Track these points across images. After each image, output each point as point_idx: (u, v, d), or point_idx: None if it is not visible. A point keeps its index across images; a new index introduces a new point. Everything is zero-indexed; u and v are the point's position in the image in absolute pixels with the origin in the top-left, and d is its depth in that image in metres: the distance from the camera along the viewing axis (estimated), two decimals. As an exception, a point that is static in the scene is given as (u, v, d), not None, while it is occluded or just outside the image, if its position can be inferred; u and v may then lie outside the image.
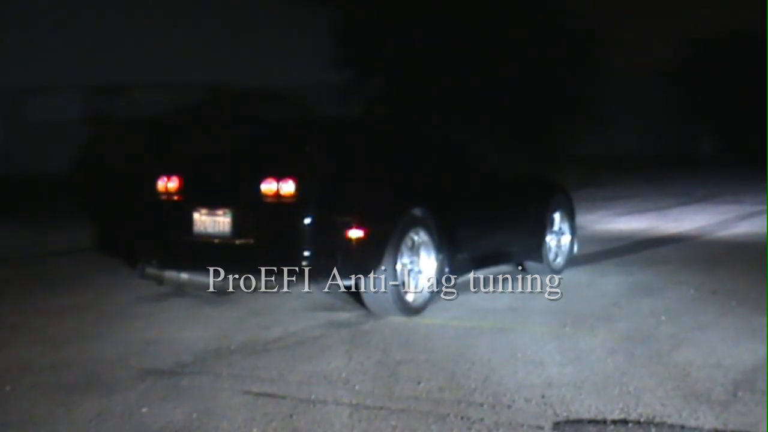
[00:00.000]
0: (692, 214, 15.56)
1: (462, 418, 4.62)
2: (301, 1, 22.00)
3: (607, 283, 8.65)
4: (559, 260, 9.32)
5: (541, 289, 8.38)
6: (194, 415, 4.73)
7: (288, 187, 6.72)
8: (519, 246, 8.82)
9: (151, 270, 7.43)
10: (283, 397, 5.01)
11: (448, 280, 7.58)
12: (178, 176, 7.32)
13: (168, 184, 7.33)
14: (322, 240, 6.70)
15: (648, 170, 29.18)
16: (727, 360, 5.64)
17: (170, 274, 7.42)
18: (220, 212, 6.99)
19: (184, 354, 6.03)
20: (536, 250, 8.94)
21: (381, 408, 4.79)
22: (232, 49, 20.87)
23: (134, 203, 7.88)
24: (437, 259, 7.42)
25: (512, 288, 8.42)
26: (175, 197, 7.32)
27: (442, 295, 7.67)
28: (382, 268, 6.88)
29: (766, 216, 14.98)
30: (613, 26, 25.57)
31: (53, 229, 13.13)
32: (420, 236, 7.30)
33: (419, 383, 5.24)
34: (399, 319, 7.04)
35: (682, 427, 4.45)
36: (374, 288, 6.95)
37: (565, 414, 4.65)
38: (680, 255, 10.55)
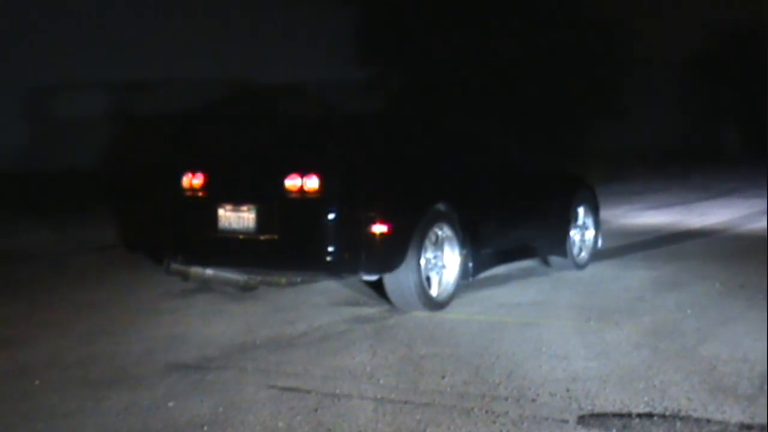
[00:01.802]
0: (717, 208, 15.43)
1: (486, 411, 4.61)
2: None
3: (633, 277, 8.60)
4: (583, 255, 9.26)
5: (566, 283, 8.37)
6: (220, 409, 4.76)
7: (312, 183, 6.71)
8: (543, 241, 8.77)
9: (176, 266, 7.46)
10: (308, 392, 5.02)
11: (472, 275, 7.55)
12: (203, 172, 7.33)
13: (193, 180, 7.34)
14: (347, 235, 6.70)
15: (671, 164, 29.00)
16: (754, 354, 5.60)
17: (196, 270, 7.46)
18: (244, 208, 6.99)
19: (209, 349, 6.07)
20: (560, 244, 8.91)
21: (405, 402, 4.80)
22: (254, 47, 20.95)
23: (159, 199, 7.94)
24: (461, 254, 7.38)
25: (537, 282, 8.42)
26: (200, 193, 7.33)
27: (466, 290, 7.68)
28: (406, 263, 6.85)
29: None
30: (635, 18, 25.42)
31: (79, 226, 13.24)
32: (444, 231, 7.27)
33: (444, 377, 5.24)
34: (423, 314, 7.04)
35: (708, 420, 4.42)
36: (398, 283, 6.94)
37: (590, 408, 4.64)
38: (706, 249, 10.48)
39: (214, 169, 7.42)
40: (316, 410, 4.71)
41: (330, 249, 6.69)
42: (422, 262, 7.01)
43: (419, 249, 6.96)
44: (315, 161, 6.97)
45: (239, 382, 5.28)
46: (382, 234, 6.73)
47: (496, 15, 21.24)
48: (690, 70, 39.75)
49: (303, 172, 6.74)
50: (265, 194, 6.99)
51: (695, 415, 4.50)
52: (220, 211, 7.10)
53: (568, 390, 4.93)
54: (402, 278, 6.91)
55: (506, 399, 4.81)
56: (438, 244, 7.27)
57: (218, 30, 20.40)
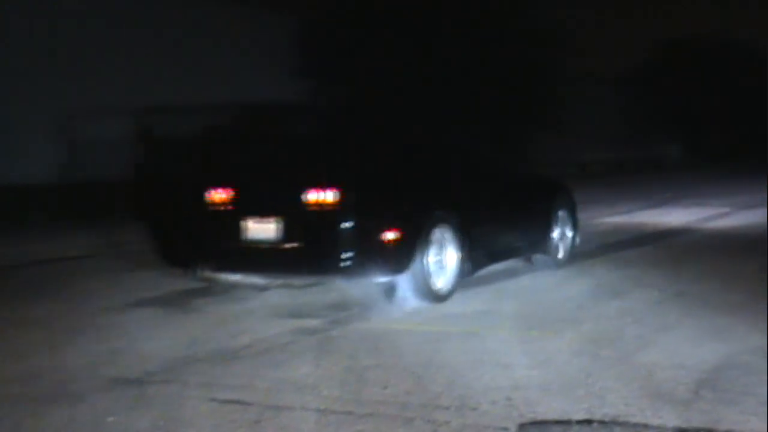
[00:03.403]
0: (657, 217, 15.71)
1: (428, 421, 4.63)
2: (262, 13, 22.13)
3: (574, 286, 8.72)
4: (562, 253, 10.11)
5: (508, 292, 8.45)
6: (161, 423, 4.71)
7: (330, 197, 7.42)
8: (528, 241, 9.64)
9: (204, 273, 8.15)
10: (251, 404, 5.00)
11: (470, 272, 8.38)
12: (228, 188, 8.02)
13: (218, 195, 8.03)
14: (362, 242, 7.41)
15: (613, 175, 29.40)
16: (691, 360, 5.70)
17: (221, 276, 8.21)
18: (268, 220, 7.69)
19: (151, 363, 6.01)
20: (543, 244, 9.81)
21: (348, 413, 4.80)
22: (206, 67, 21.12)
23: (185, 212, 8.60)
24: (459, 254, 8.10)
25: (480, 292, 8.48)
26: (225, 207, 8.00)
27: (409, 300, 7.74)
28: (414, 264, 7.58)
29: (733, 216, 15.17)
30: (575, 33, 25.77)
31: (42, 238, 13.09)
32: (444, 234, 7.99)
33: (386, 388, 5.25)
34: (367, 325, 7.06)
35: (646, 425, 4.49)
36: (407, 281, 7.68)
37: (530, 415, 4.68)
38: (646, 257, 10.66)
39: (238, 185, 8.08)
40: (258, 422, 4.69)
41: (347, 255, 7.38)
42: (426, 261, 7.72)
43: (424, 250, 7.70)
44: (332, 176, 7.61)
45: (181, 395, 5.24)
46: (393, 239, 7.51)
47: (438, 30, 21.39)
48: (631, 83, 40.45)
49: (322, 187, 7.45)
50: (287, 207, 7.68)
51: (633, 420, 4.57)
52: (245, 223, 7.80)
53: (509, 398, 4.97)
54: (410, 278, 7.65)
55: (448, 408, 4.83)
56: (439, 246, 7.96)
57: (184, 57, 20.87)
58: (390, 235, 7.49)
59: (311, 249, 7.57)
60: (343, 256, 7.39)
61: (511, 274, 9.48)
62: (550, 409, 4.78)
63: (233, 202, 7.99)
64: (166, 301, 8.39)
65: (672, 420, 4.54)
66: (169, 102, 19.10)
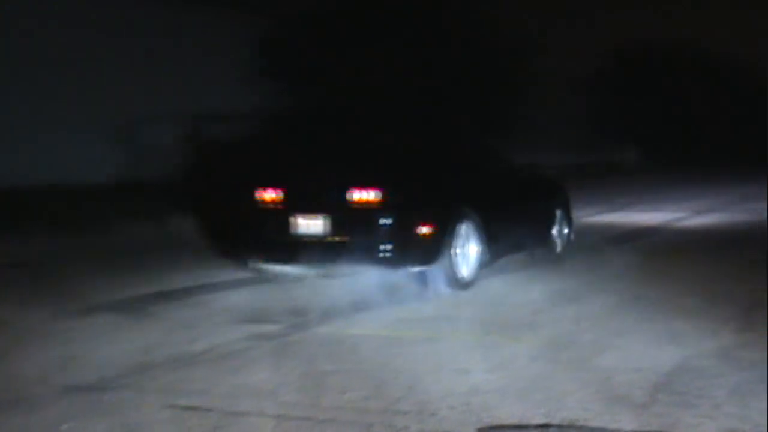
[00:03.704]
0: (613, 222, 15.85)
1: (387, 426, 4.63)
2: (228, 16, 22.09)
3: (532, 290, 8.77)
4: (560, 248, 11.21)
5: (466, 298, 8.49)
6: (117, 430, 4.66)
7: (373, 195, 8.47)
8: (533, 236, 10.66)
9: (254, 264, 9.18)
10: (209, 410, 4.96)
11: (489, 263, 9.28)
12: (278, 188, 8.96)
13: (269, 194, 8.97)
14: (399, 236, 8.40)
15: (571, 179, 29.62)
16: (647, 363, 5.76)
17: (271, 267, 9.14)
18: (315, 217, 8.64)
19: (107, 369, 5.94)
20: (545, 239, 10.95)
21: (306, 419, 4.78)
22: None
23: (236, 210, 9.44)
24: (479, 247, 9.04)
25: (439, 297, 8.51)
26: (276, 206, 8.96)
27: (370, 306, 7.72)
28: (443, 255, 8.49)
29: (689, 220, 15.36)
30: (533, 38, 25.93)
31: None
32: (468, 229, 8.92)
33: (345, 393, 5.25)
34: (326, 330, 7.05)
35: (603, 429, 4.52)
36: (437, 271, 8.54)
37: (488, 420, 4.70)
38: (601, 262, 10.73)
39: (287, 185, 9.02)
40: (216, 429, 4.66)
41: (387, 247, 8.37)
42: (453, 252, 8.64)
43: (451, 243, 8.64)
44: (374, 178, 8.66)
45: (137, 402, 5.18)
46: (427, 234, 8.49)
47: (398, 31, 21.42)
48: (591, 88, 40.81)
49: (365, 187, 8.48)
50: (333, 205, 8.65)
51: (591, 424, 4.60)
52: (295, 220, 8.75)
53: (467, 403, 4.98)
54: (440, 267, 8.54)
55: (407, 413, 4.83)
56: (464, 240, 8.87)
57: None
58: (424, 230, 8.48)
59: (355, 242, 8.49)
60: (383, 248, 8.38)
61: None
62: (509, 413, 4.80)
63: (283, 200, 8.96)
64: (123, 306, 8.30)
65: (629, 423, 4.59)
66: (137, 106, 19.68)
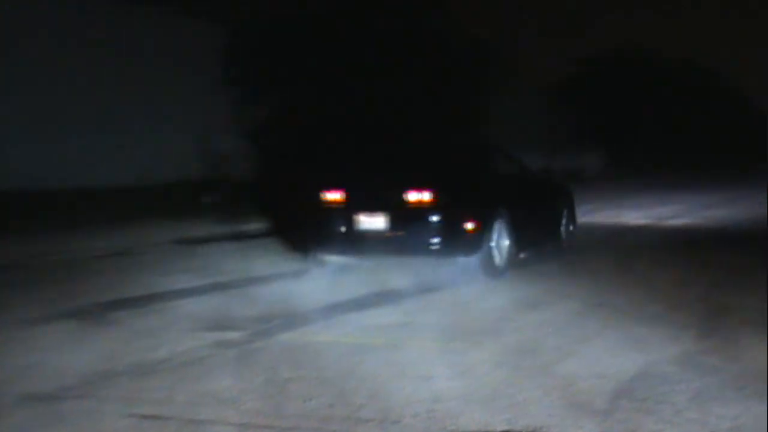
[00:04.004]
0: (580, 228, 15.91)
1: (350, 434, 4.62)
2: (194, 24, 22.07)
3: (495, 297, 8.79)
4: (566, 243, 12.64)
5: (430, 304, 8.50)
6: (76, 440, 4.61)
7: (426, 196, 9.78)
8: (546, 232, 12.18)
9: (321, 256, 10.48)
10: (170, 419, 4.92)
11: (516, 254, 10.66)
12: (342, 190, 10.26)
13: (334, 195, 10.26)
14: (448, 231, 9.73)
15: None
16: (610, 370, 5.79)
17: (335, 258, 10.44)
18: (376, 214, 9.94)
19: (67, 378, 5.87)
20: (555, 236, 12.45)
21: (269, 427, 4.76)
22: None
23: (304, 208, 10.73)
24: (508, 241, 10.39)
25: (403, 303, 8.50)
26: (340, 205, 10.22)
27: (333, 312, 7.69)
28: (484, 247, 9.90)
29: (653, 228, 15.47)
30: (501, 47, 26.08)
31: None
32: (501, 226, 10.28)
33: (308, 401, 5.22)
34: (289, 338, 7.02)
35: (565, 436, 4.55)
36: (477, 260, 9.90)
37: (452, 427, 4.70)
38: (565, 269, 10.80)
39: (350, 187, 10.32)
40: (176, 438, 4.62)
41: (437, 241, 9.71)
42: (491, 246, 10.03)
43: (490, 238, 10.03)
44: (427, 180, 9.94)
45: (98, 411, 5.12)
46: (471, 230, 9.85)
47: (366, 41, 21.42)
48: (556, 97, 41.09)
49: (419, 189, 9.80)
50: (391, 205, 9.93)
51: (554, 430, 4.62)
52: (357, 217, 10.04)
53: (431, 410, 4.98)
54: (480, 258, 9.93)
55: (370, 421, 4.82)
56: (498, 235, 10.21)
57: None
58: (469, 226, 9.84)
59: (410, 236, 9.81)
60: (434, 241, 9.72)
61: (433, 287, 9.52)
62: (472, 420, 4.81)
63: (346, 201, 10.23)
64: (83, 313, 8.21)
65: (591, 429, 4.61)
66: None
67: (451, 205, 9.84)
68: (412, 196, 9.85)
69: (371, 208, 10.02)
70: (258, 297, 8.99)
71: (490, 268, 10.04)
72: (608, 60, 42.57)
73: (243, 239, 14.58)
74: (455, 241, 9.80)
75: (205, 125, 21.76)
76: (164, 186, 21.04)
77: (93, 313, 8.20)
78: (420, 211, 9.80)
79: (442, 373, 5.80)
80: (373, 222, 9.98)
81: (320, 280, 10.04)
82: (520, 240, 10.65)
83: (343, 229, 10.12)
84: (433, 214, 9.76)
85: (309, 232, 10.65)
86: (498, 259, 10.20)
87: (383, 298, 8.83)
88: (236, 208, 18.25)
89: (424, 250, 9.78)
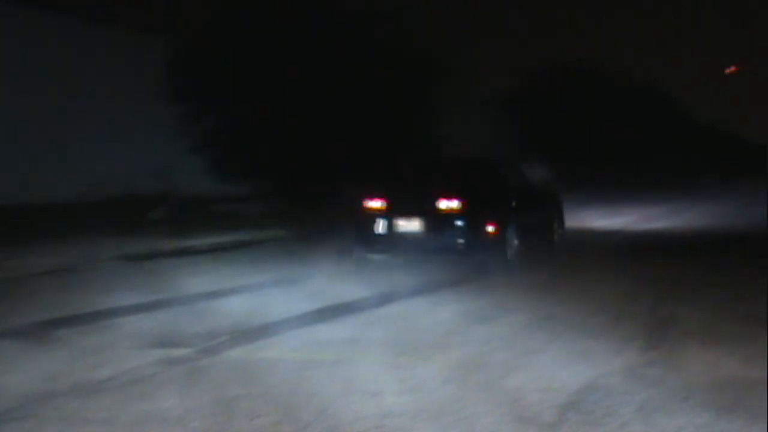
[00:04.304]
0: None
1: (298, 452, 4.58)
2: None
3: (443, 311, 8.80)
4: (555, 244, 14.55)
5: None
6: (17, 463, 4.52)
7: (455, 204, 11.85)
8: (541, 234, 14.09)
9: (365, 254, 12.40)
10: (114, 439, 4.84)
11: (520, 254, 12.53)
12: (384, 198, 12.30)
13: (377, 203, 12.27)
14: (473, 233, 11.82)
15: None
16: (556, 383, 5.83)
17: (375, 256, 12.35)
18: (412, 219, 11.99)
19: (7, 399, 5.75)
20: (547, 237, 14.34)
21: (215, 446, 4.71)
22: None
23: (350, 214, 12.81)
24: (518, 241, 12.50)
25: (351, 318, 8.49)
26: (382, 211, 12.21)
27: (281, 327, 7.66)
28: (500, 246, 12.01)
29: (584, 242, 15.60)
30: (448, 56, 26.12)
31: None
32: (513, 228, 12.39)
33: (255, 419, 5.18)
34: (236, 354, 6.96)
35: (513, 450, 4.56)
36: (495, 257, 11.99)
37: (400, 443, 4.69)
38: (510, 282, 10.87)
39: (390, 196, 12.34)
40: (121, 459, 4.55)
41: (462, 241, 11.78)
42: (505, 246, 12.09)
43: (505, 239, 12.14)
44: (455, 191, 11.99)
45: (39, 432, 5.03)
46: (492, 232, 11.97)
47: (311, 52, 21.36)
48: (505, 107, 41.39)
49: (449, 198, 11.87)
50: (426, 211, 11.96)
51: (501, 445, 4.64)
52: (397, 221, 12.07)
53: (379, 426, 4.97)
54: (497, 255, 12.04)
55: (318, 438, 4.80)
56: (511, 236, 12.30)
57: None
58: (489, 229, 11.93)
59: (441, 237, 11.84)
60: (460, 241, 11.77)
61: (381, 301, 9.51)
62: (420, 436, 4.80)
63: (387, 208, 12.23)
64: (24, 332, 8.06)
65: (538, 444, 4.63)
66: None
67: (475, 212, 11.92)
68: (443, 204, 11.92)
69: (409, 214, 12.07)
70: (205, 313, 8.90)
71: (504, 262, 12.11)
72: (555, 73, 43.05)
73: (191, 254, 14.46)
74: (478, 241, 11.85)
75: (151, 139, 21.46)
76: (110, 201, 20.78)
77: (34, 332, 8.04)
78: (450, 216, 11.87)
79: (391, 388, 5.79)
80: (410, 225, 12.04)
81: (270, 296, 9.97)
82: (525, 240, 12.79)
83: (384, 231, 12.11)
84: (461, 219, 11.83)
85: (355, 233, 12.59)
86: (510, 255, 12.25)
87: (333, 312, 8.80)
88: (184, 223, 18.07)
89: (452, 249, 11.80)
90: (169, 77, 20.76)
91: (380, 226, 12.15)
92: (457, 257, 11.98)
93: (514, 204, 12.91)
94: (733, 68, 61.64)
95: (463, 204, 11.84)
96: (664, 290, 9.83)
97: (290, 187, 22.40)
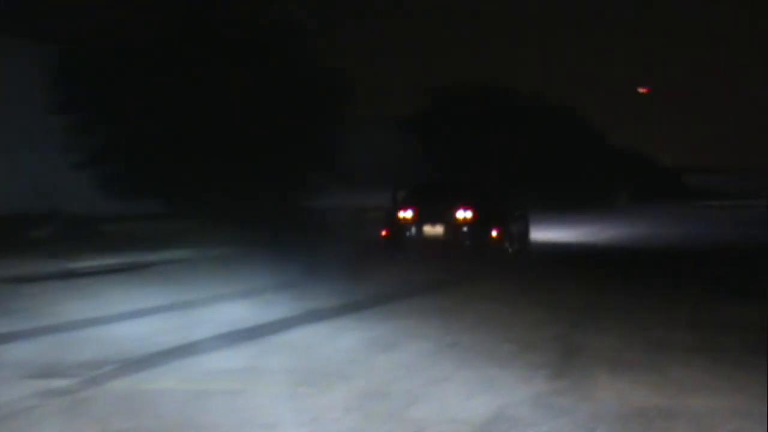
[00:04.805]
0: (423, 266, 16.16)
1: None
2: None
3: (346, 338, 8.83)
4: (527, 246, 19.49)
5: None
6: None
7: (469, 214, 16.85)
8: (523, 241, 19.02)
9: (397, 254, 16.87)
10: (-13, 478, 4.73)
11: (512, 252, 18.04)
12: (414, 209, 17.24)
13: (409, 213, 17.19)
14: (481, 236, 16.84)
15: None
16: (462, 414, 5.91)
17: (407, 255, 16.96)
18: (437, 226, 16.92)
19: None
20: (523, 242, 19.05)
21: (98, 483, 4.63)
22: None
23: (387, 222, 17.66)
24: (508, 242, 17.72)
25: (247, 346, 8.44)
26: (412, 219, 17.16)
27: (170, 356, 7.56)
28: (501, 247, 17.42)
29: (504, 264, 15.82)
30: (354, 75, 26.30)
31: None
32: (508, 233, 17.77)
33: (143, 454, 5.11)
34: (123, 384, 6.86)
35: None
36: (498, 254, 17.20)
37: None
38: (418, 308, 10.95)
39: (419, 207, 17.29)
40: (-6, 498, 4.44)
41: (475, 242, 16.79)
42: (503, 246, 17.55)
43: (504, 240, 17.48)
44: (468, 204, 17.00)
45: None
46: (496, 235, 17.24)
47: (209, 65, 21.26)
48: (409, 128, 41.71)
49: (463, 208, 16.89)
50: (446, 219, 16.96)
51: (402, 479, 4.67)
52: (424, 227, 16.99)
53: (275, 460, 4.95)
54: (499, 251, 17.32)
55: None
56: (507, 237, 17.88)
57: None
58: (494, 233, 17.27)
59: (456, 239, 16.89)
60: (473, 242, 16.85)
61: (280, 327, 9.48)
62: (318, 470, 4.81)
63: (417, 216, 17.18)
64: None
65: (441, 477, 4.68)
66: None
67: (484, 220, 16.99)
68: (460, 214, 16.98)
69: (434, 221, 17.05)
70: (90, 340, 8.73)
71: (504, 257, 17.34)
72: (462, 93, 43.64)
73: (76, 277, 14.16)
74: (485, 243, 17.01)
75: (35, 154, 20.92)
76: None
77: None
78: (464, 223, 16.94)
79: (289, 420, 5.79)
80: (435, 231, 17.01)
81: (162, 321, 9.83)
82: (512, 244, 17.94)
83: (414, 235, 17.02)
84: (473, 225, 16.90)
85: (393, 238, 17.29)
86: (506, 254, 17.53)
87: (227, 339, 8.73)
88: (71, 243, 17.66)
89: (467, 247, 16.82)
90: (57, 86, 20.39)
91: (411, 231, 17.02)
92: (470, 254, 16.75)
93: (508, 215, 18.15)
94: (644, 89, 63.51)
95: (474, 213, 16.91)
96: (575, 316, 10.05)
97: (188, 207, 22.20)
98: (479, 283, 13.89)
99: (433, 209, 17.06)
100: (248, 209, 21.96)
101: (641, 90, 64.34)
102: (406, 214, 17.01)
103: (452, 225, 16.69)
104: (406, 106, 42.53)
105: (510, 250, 17.59)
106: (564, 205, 38.72)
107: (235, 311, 10.47)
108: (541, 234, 22.96)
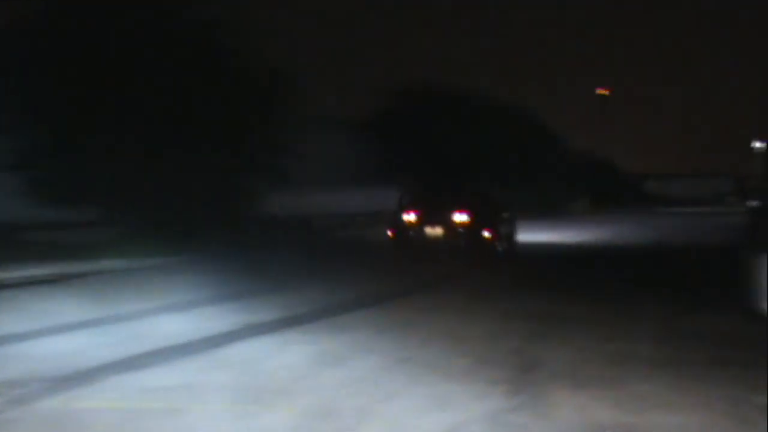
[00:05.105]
0: (378, 277, 16.14)
1: None
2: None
3: (291, 353, 8.73)
4: (515, 245, 22.44)
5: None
6: None
7: (465, 217, 19.75)
8: (511, 241, 21.89)
9: (404, 253, 19.87)
10: None
11: (502, 252, 20.95)
12: (417, 212, 19.99)
13: (412, 216, 19.91)
14: (475, 238, 19.74)
15: (344, 227, 30.06)
16: (414, 432, 5.85)
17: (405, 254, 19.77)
18: (437, 227, 19.69)
19: None
20: (511, 241, 21.87)
21: None
22: None
23: (396, 224, 20.17)
24: (498, 242, 20.60)
25: (186, 362, 8.31)
26: (415, 222, 19.87)
27: (104, 372, 7.43)
28: (494, 246, 20.43)
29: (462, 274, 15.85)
30: (302, 75, 26.24)
31: None
32: (500, 234, 20.77)
33: (71, 479, 4.99)
34: (51, 404, 6.70)
35: None
36: (488, 252, 20.12)
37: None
38: (369, 321, 10.88)
39: (422, 211, 20.07)
40: None
41: (470, 242, 19.66)
42: (495, 246, 20.57)
43: (496, 241, 20.51)
44: (464, 208, 19.91)
45: None
46: (489, 237, 20.13)
47: (137, 60, 21.08)
48: (362, 131, 41.75)
49: (460, 212, 19.80)
50: (445, 222, 19.73)
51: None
52: (425, 229, 19.75)
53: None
54: (491, 251, 20.31)
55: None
56: (499, 238, 20.91)
57: None
58: (487, 234, 19.91)
59: (454, 240, 19.45)
60: (468, 242, 19.42)
61: (221, 341, 9.37)
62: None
63: (419, 219, 19.81)
64: None
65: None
66: None
67: (478, 223, 19.65)
68: (457, 217, 19.60)
69: (434, 224, 19.63)
70: (15, 357, 8.55)
71: (495, 253, 20.15)
72: (417, 94, 43.86)
73: (1, 289, 13.91)
74: (478, 243, 19.61)
75: None
76: None
77: None
78: (460, 225, 19.55)
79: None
80: (435, 232, 19.58)
81: (93, 336, 9.66)
82: (502, 244, 20.71)
83: (416, 237, 19.58)
84: (467, 226, 19.54)
85: (399, 238, 19.84)
86: (498, 253, 20.23)
87: (164, 354, 8.59)
88: None
89: (459, 248, 19.26)
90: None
91: (414, 232, 19.64)
92: (466, 252, 19.25)
93: (499, 218, 20.88)
94: (604, 90, 64.24)
95: (469, 216, 19.59)
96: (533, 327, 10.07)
97: (123, 214, 21.91)
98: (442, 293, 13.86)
99: (433, 212, 19.86)
100: (186, 217, 21.74)
101: (600, 91, 65.09)
102: (410, 217, 19.84)
103: (450, 227, 19.46)
104: (363, 108, 42.48)
105: (500, 248, 20.46)
106: (520, 210, 39.03)
107: (173, 324, 10.33)
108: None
